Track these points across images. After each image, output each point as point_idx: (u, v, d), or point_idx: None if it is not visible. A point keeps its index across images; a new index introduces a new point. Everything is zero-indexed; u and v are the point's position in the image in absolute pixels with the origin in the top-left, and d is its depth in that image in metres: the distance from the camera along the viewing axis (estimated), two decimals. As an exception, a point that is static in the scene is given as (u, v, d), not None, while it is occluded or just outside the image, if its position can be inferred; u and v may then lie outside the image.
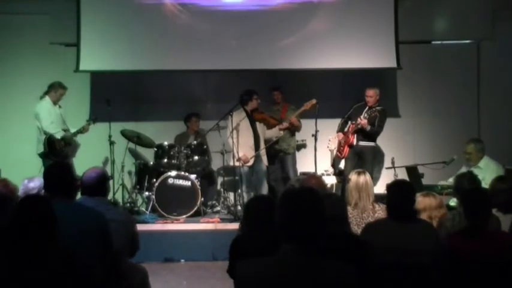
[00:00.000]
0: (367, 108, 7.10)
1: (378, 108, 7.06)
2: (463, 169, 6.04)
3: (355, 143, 7.12)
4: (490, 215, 3.55)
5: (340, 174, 7.29)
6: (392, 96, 8.32)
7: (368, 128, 6.95)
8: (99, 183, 3.64)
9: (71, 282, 2.58)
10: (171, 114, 8.11)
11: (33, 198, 2.92)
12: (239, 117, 7.00)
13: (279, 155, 7.56)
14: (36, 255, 2.54)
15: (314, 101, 7.05)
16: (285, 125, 7.24)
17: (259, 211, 3.39)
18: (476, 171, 5.59)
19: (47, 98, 7.20)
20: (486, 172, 5.88)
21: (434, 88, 8.28)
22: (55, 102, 7.26)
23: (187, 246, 6.31)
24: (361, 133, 7.07)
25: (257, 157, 7.09)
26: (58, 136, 7.13)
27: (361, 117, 6.99)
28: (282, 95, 7.63)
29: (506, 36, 8.16)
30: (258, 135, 7.11)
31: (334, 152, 7.34)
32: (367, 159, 7.05)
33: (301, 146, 7.94)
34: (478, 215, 3.38)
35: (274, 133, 7.21)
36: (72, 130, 7.31)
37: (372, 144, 7.14)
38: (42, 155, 7.10)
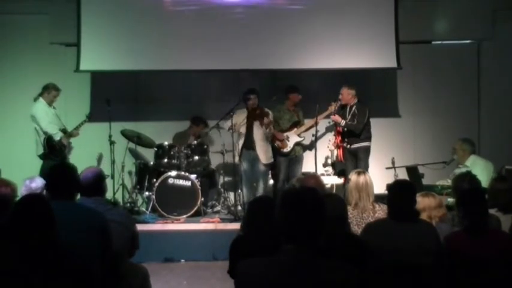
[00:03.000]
0: (348, 108, 7.13)
1: (355, 104, 7.10)
2: (457, 170, 6.08)
3: (348, 146, 7.11)
4: (488, 214, 3.56)
5: (341, 174, 7.30)
6: (392, 96, 8.33)
7: (343, 123, 7.01)
8: (96, 183, 3.64)
9: (71, 282, 2.58)
10: (171, 114, 8.11)
11: (32, 197, 2.91)
12: (240, 115, 7.14)
13: (294, 156, 7.52)
14: (35, 254, 2.54)
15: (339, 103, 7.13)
16: (301, 128, 7.34)
17: (260, 212, 3.39)
18: (464, 170, 5.63)
19: (41, 100, 7.18)
20: (473, 169, 5.89)
21: (434, 88, 8.28)
22: (49, 104, 7.25)
23: (187, 246, 6.31)
24: (352, 134, 7.07)
25: (255, 157, 7.14)
26: (57, 137, 7.12)
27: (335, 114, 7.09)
28: (300, 96, 7.48)
29: (506, 36, 8.16)
30: (251, 135, 7.14)
31: (335, 152, 7.35)
32: (361, 157, 7.05)
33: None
34: (477, 215, 3.39)
35: (264, 132, 7.21)
36: (69, 130, 7.31)
37: (365, 144, 7.12)
38: (42, 156, 7.10)
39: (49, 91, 7.20)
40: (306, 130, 7.42)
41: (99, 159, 7.80)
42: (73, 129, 7.28)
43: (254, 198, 3.96)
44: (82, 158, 7.47)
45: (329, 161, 7.61)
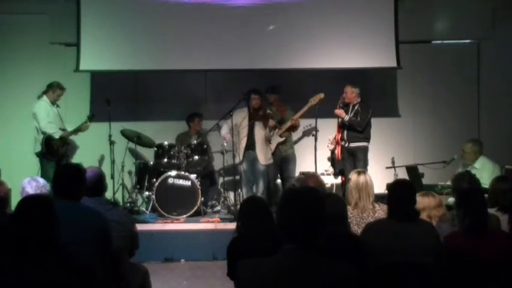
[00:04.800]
0: (351, 106, 7.12)
1: (358, 102, 7.08)
2: (460, 169, 6.06)
3: (346, 144, 7.11)
4: (488, 214, 3.56)
5: (341, 174, 7.29)
6: (392, 96, 8.33)
7: (347, 117, 6.99)
8: (97, 182, 3.64)
9: (71, 282, 2.58)
10: (171, 114, 8.12)
11: (35, 198, 2.91)
12: (241, 115, 7.10)
13: (281, 156, 7.52)
14: (37, 254, 2.53)
15: (322, 95, 7.08)
16: (282, 128, 7.29)
17: (252, 212, 3.40)
18: (472, 171, 5.59)
19: (45, 98, 7.19)
20: (482, 172, 5.88)
21: (434, 88, 8.28)
22: (53, 102, 7.25)
23: (187, 246, 6.31)
24: (351, 131, 7.07)
25: (254, 157, 7.13)
26: (56, 136, 7.12)
27: (338, 108, 7.08)
28: (278, 96, 7.56)
29: (506, 36, 8.16)
30: (253, 135, 7.12)
31: (335, 150, 7.34)
32: (359, 158, 7.04)
33: (310, 131, 7.73)
34: (478, 214, 3.39)
35: (266, 134, 7.21)
36: (70, 129, 7.30)
37: (363, 144, 7.10)
38: (39, 155, 7.09)
39: (54, 89, 7.21)
40: (287, 130, 7.38)
41: (99, 159, 7.79)
42: (72, 130, 7.27)
43: (244, 199, 3.97)
44: (82, 157, 7.49)
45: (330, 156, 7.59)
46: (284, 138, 7.40)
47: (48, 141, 7.05)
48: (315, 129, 7.16)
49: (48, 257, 2.55)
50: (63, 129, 7.26)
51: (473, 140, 6.48)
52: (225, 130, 7.20)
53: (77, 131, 7.27)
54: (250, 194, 7.00)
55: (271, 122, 7.10)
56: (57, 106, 7.33)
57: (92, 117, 7.31)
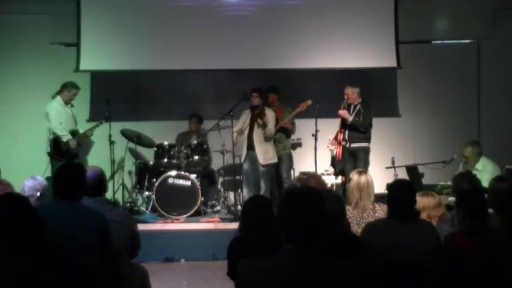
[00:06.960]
0: (352, 106, 7.11)
1: (360, 103, 7.07)
2: (460, 169, 6.06)
3: (347, 145, 7.10)
4: (488, 214, 3.56)
5: (341, 174, 7.29)
6: (392, 96, 8.33)
7: (350, 118, 6.98)
8: (98, 182, 3.64)
9: (71, 282, 2.58)
10: (171, 114, 8.12)
11: (10, 197, 2.83)
12: (244, 115, 7.17)
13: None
14: (25, 254, 2.50)
15: (309, 102, 7.10)
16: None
17: (256, 212, 3.39)
18: (474, 173, 5.58)
19: (59, 98, 7.20)
20: (483, 173, 5.86)
21: (434, 88, 8.28)
22: (67, 102, 7.25)
23: (187, 246, 6.31)
24: (353, 132, 7.06)
25: (254, 157, 7.11)
26: (64, 139, 7.09)
27: (342, 109, 7.05)
28: (277, 96, 7.57)
29: (506, 36, 8.16)
30: (252, 135, 7.10)
31: (335, 151, 7.34)
32: (361, 158, 7.04)
33: (297, 145, 7.92)
34: (478, 214, 3.39)
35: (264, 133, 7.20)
36: (81, 131, 7.30)
37: (364, 144, 7.10)
38: (49, 155, 7.11)
39: (69, 89, 7.21)
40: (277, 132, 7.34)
41: (99, 159, 7.79)
42: (86, 130, 7.27)
43: (249, 198, 3.96)
44: (81, 158, 7.50)
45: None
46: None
47: (56, 142, 7.06)
48: (315, 129, 7.16)
49: (40, 256, 2.52)
50: (75, 131, 7.24)
51: (471, 143, 6.38)
52: (236, 128, 7.18)
53: (83, 136, 7.24)
54: (251, 194, 6.99)
55: (260, 120, 7.03)
56: (72, 106, 7.33)
57: (109, 118, 7.22)
